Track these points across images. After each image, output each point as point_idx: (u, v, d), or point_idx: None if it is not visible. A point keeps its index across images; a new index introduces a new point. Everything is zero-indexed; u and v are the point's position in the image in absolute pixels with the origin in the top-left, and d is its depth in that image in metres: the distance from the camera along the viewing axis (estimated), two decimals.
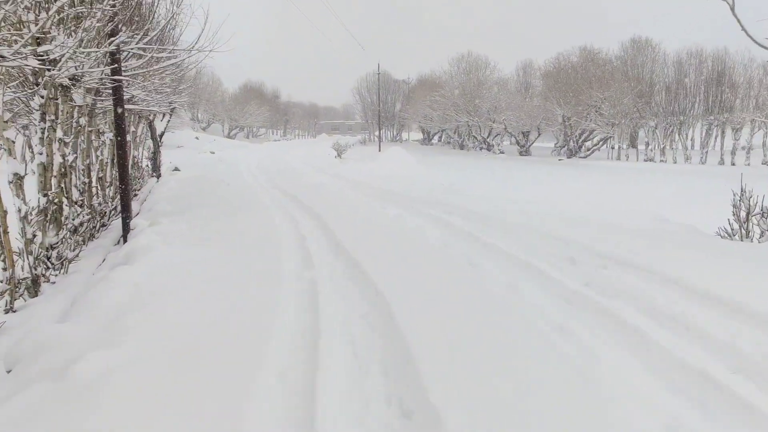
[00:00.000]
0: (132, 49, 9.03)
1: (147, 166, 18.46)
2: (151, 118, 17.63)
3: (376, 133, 76.91)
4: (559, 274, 5.36)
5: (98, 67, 8.01)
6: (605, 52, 44.74)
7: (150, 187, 14.45)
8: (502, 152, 42.74)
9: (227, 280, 5.17)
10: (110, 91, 8.92)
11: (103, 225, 9.33)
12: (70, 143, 7.16)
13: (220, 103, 65.24)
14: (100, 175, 9.91)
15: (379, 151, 48.16)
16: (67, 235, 6.64)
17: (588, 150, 38.49)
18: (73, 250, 6.93)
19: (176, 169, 17.77)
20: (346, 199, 11.43)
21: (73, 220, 7.16)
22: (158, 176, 17.66)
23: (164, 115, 18.80)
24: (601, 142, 38.32)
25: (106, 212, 9.76)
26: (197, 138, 54.49)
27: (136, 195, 12.68)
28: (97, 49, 7.15)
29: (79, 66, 6.91)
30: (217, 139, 57.90)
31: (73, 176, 7.45)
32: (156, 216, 8.62)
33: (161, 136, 18.71)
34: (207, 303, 4.45)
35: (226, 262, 5.95)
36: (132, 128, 13.65)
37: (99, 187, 9.65)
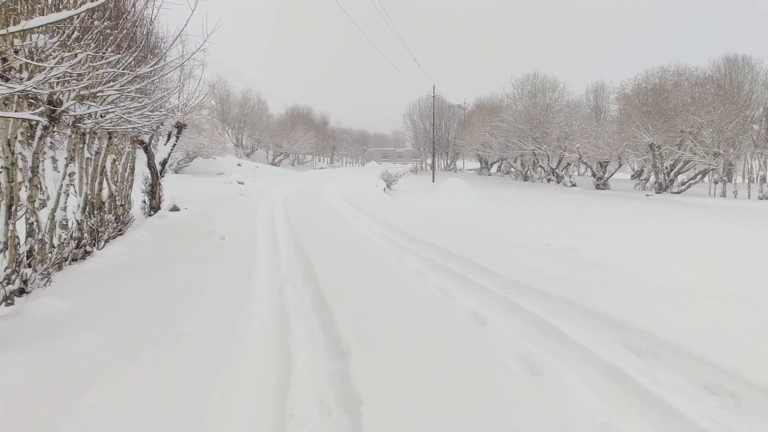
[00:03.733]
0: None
1: (144, 201, 14.44)
2: (146, 141, 13.61)
3: (429, 161, 72.63)
4: None
5: None
6: (693, 71, 38.98)
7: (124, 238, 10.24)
8: (574, 185, 37.26)
9: None
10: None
11: None
12: None
13: (266, 129, 62.45)
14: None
15: (433, 181, 43.57)
16: None
17: (683, 184, 32.59)
18: None
19: (174, 207, 13.64)
20: (397, 284, 6.84)
21: None
22: (155, 211, 13.60)
23: (169, 136, 14.79)
24: (699, 175, 32.38)
25: None
26: (239, 165, 51.54)
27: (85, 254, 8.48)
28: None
29: None
30: (260, 166, 54.83)
31: None
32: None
33: (164, 163, 14.67)
34: None
35: None
36: (92, 152, 9.54)
37: None
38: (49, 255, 7.66)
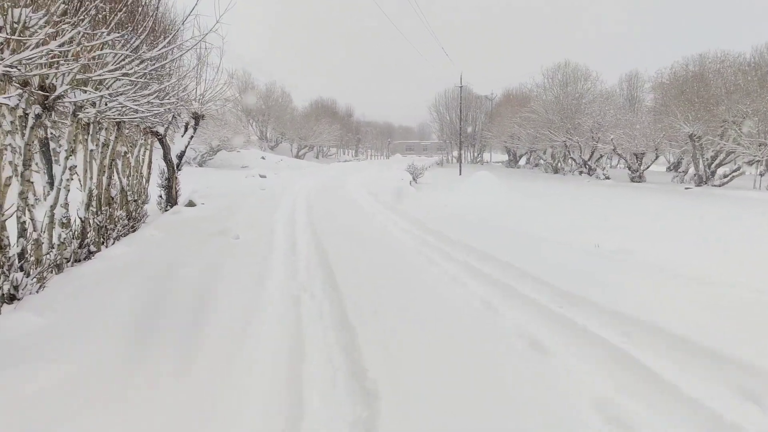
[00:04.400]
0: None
1: (160, 196, 13.84)
2: (161, 133, 12.97)
3: (455, 153, 71.26)
4: None
5: None
6: (735, 57, 37.00)
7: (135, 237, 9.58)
8: (608, 177, 35.79)
9: None
10: None
11: None
12: None
13: (290, 121, 61.94)
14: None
15: (460, 174, 42.44)
16: None
17: (725, 176, 30.91)
18: None
19: (191, 202, 12.99)
20: (431, 296, 5.94)
21: None
22: (172, 206, 12.97)
23: (186, 128, 14.15)
24: (744, 166, 30.65)
25: None
26: (263, 158, 51.18)
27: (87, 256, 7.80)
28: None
29: None
30: (284, 158, 54.39)
31: None
32: None
33: (181, 156, 14.03)
34: None
35: None
36: (100, 143, 8.87)
37: None
38: (47, 256, 7.01)
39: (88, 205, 8.10)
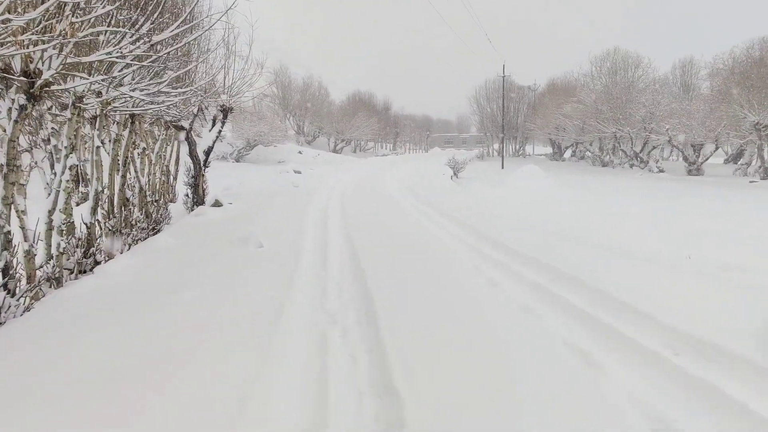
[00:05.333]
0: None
1: (187, 195, 13.02)
2: (185, 127, 12.11)
3: (495, 146, 69.19)
4: None
5: None
6: None
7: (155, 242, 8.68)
8: (662, 170, 33.54)
9: None
10: None
11: None
12: None
13: (327, 115, 61.18)
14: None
15: (503, 168, 40.79)
16: None
17: None
18: None
19: (217, 202, 12.09)
20: (500, 343, 4.67)
21: None
22: (198, 205, 12.12)
23: (213, 122, 13.28)
24: None
25: None
26: (300, 153, 50.58)
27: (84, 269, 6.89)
28: None
29: None
30: (321, 153, 53.65)
31: None
32: None
33: (208, 152, 13.17)
34: None
35: None
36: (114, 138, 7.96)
37: None
38: (43, 269, 6.14)
39: (94, 209, 7.21)
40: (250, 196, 14.28)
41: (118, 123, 8.08)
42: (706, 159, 32.89)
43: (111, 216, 8.19)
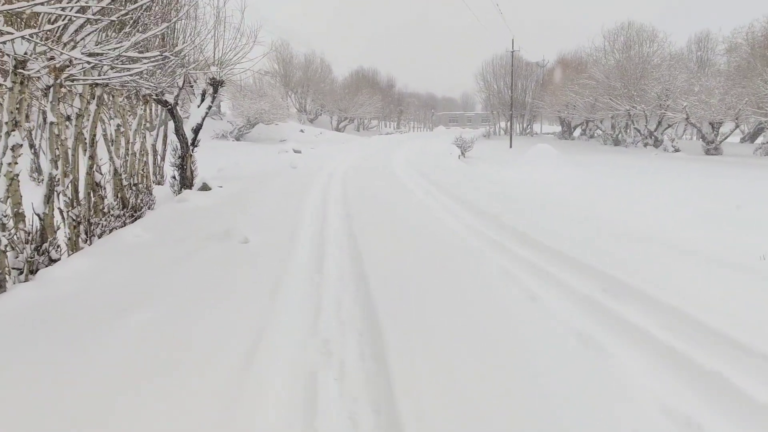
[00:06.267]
0: None
1: (174, 177, 11.90)
2: (170, 102, 10.93)
3: (501, 124, 67.51)
4: None
5: None
6: None
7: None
8: (678, 150, 32.16)
9: None
10: None
11: None
12: None
13: (329, 93, 59.60)
14: None
15: (510, 147, 39.44)
16: None
17: None
18: None
19: (204, 186, 10.97)
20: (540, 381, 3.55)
21: None
22: (186, 189, 10.99)
23: (203, 97, 12.10)
24: None
25: None
26: (302, 131, 49.30)
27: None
28: None
29: None
30: (323, 131, 52.31)
31: None
32: None
33: (197, 130, 11.99)
34: None
35: None
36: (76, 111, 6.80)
37: None
38: None
39: (48, 197, 6.09)
40: (243, 178, 13.13)
41: (81, 95, 6.90)
42: (725, 138, 31.48)
43: (75, 204, 7.07)
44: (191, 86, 12.20)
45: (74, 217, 7.00)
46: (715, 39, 43.43)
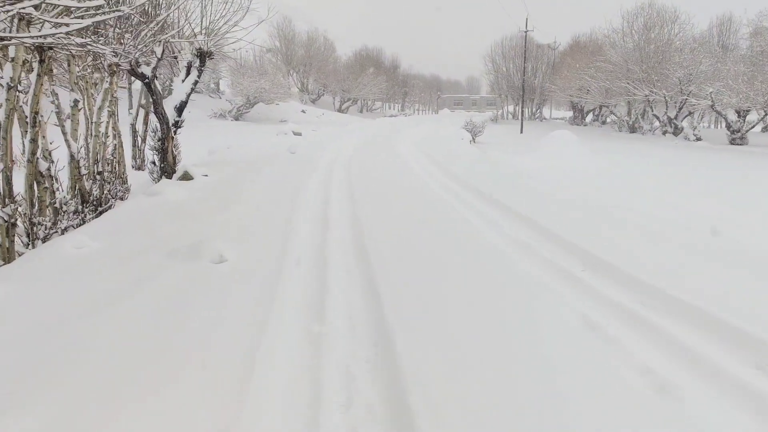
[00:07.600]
0: None
1: (153, 163, 10.33)
2: (147, 75, 9.31)
3: (509, 108, 65.45)
4: None
5: None
6: None
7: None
8: (699, 138, 30.43)
9: None
10: None
11: None
12: None
13: (332, 72, 57.58)
14: None
15: (521, 132, 37.71)
16: None
17: None
18: None
19: (186, 175, 9.39)
20: None
21: None
22: (167, 176, 9.40)
23: (188, 70, 10.47)
24: None
25: None
26: (304, 111, 47.52)
27: None
28: None
29: None
30: (326, 113, 50.45)
31: None
32: None
33: (181, 108, 10.37)
34: None
35: None
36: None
37: None
38: None
39: None
40: (234, 164, 11.51)
41: (13, 60, 5.29)
42: (752, 126, 29.75)
43: (8, 201, 5.51)
44: (175, 58, 10.56)
45: (6, 218, 5.44)
46: (738, 21, 41.37)
